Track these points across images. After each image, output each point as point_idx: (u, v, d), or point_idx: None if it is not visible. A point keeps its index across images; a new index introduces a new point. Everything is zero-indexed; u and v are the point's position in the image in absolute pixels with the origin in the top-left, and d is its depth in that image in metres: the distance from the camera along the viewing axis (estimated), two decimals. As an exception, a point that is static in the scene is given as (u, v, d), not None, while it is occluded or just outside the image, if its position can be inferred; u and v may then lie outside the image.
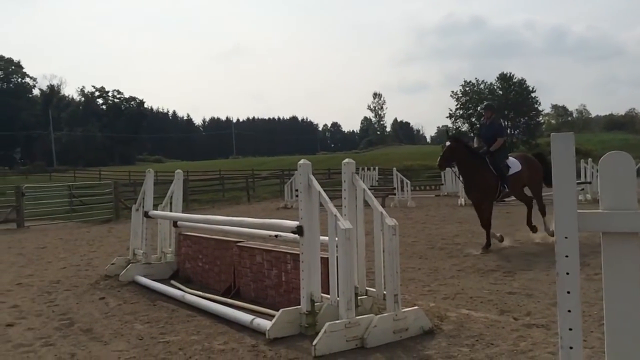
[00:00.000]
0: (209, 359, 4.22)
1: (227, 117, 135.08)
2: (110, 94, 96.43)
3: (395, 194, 20.55)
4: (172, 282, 7.27)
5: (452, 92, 60.79)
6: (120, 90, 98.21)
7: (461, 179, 9.80)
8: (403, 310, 4.56)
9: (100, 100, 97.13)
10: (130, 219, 8.64)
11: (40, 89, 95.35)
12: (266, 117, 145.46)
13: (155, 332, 5.01)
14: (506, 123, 59.66)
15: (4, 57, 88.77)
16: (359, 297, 4.77)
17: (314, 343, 4.17)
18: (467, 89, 60.34)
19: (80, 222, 18.57)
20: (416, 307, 4.75)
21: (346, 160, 4.97)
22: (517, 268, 7.31)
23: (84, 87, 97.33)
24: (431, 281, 6.76)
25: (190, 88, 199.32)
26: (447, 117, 61.32)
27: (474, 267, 7.56)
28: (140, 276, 7.37)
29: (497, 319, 4.94)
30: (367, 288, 4.90)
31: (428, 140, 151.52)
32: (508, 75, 60.88)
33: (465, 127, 60.42)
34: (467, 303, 5.60)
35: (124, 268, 7.65)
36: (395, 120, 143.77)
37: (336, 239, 4.50)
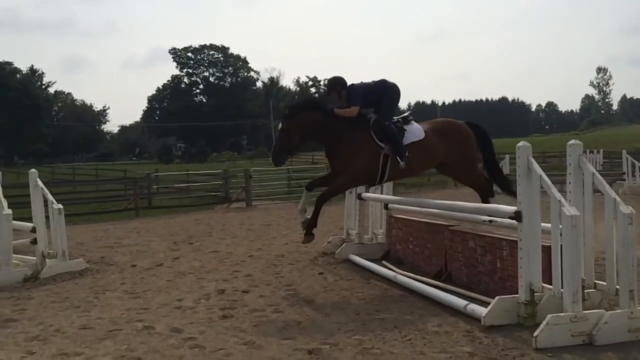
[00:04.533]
0: (424, 339, 4.28)
1: (432, 101, 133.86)
2: (321, 82, 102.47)
3: (624, 180, 18.31)
4: (384, 262, 7.49)
5: (700, 60, 51.63)
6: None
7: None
8: (640, 308, 4.08)
9: (312, 90, 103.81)
10: (341, 201, 9.09)
11: (262, 82, 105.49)
12: (473, 99, 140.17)
13: (371, 309, 5.24)
14: None
15: (233, 54, 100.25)
16: (585, 290, 4.38)
17: (534, 334, 3.97)
18: None
19: (297, 203, 20.13)
20: (657, 306, 4.20)
21: (572, 141, 4.61)
22: None
23: (299, 77, 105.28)
24: (674, 279, 5.90)
25: (395, 73, 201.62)
26: (691, 91, 52.34)
27: None
28: (354, 255, 7.76)
29: None
30: (596, 281, 4.48)
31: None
32: None
33: None
34: None
35: (338, 247, 8.13)
36: (624, 97, 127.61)
37: (560, 226, 4.20)
